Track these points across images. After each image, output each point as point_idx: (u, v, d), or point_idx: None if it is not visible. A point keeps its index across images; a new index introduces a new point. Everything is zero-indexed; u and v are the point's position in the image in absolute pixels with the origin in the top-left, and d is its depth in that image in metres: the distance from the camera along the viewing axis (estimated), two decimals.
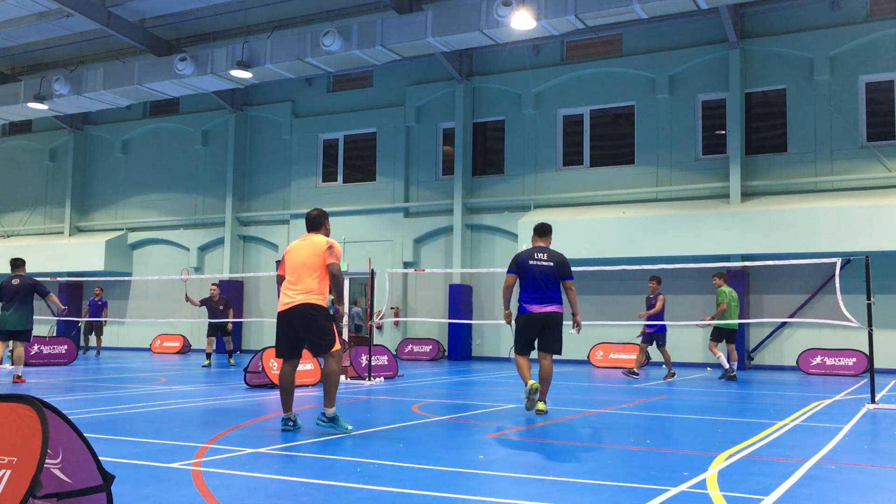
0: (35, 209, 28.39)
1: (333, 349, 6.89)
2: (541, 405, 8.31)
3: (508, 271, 8.68)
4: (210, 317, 17.25)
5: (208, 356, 16.99)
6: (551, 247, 8.87)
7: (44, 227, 27.98)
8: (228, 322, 17.45)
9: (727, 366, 14.08)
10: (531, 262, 8.51)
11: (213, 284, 17.76)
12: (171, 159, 26.06)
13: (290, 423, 6.96)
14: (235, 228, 24.65)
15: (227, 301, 17.59)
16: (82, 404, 9.06)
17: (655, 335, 14.42)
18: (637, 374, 14.36)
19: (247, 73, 19.97)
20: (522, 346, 8.54)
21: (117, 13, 21.73)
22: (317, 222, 7.22)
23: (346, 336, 23.02)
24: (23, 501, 2.82)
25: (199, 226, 25.42)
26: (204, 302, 17.33)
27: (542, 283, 8.43)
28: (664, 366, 14.68)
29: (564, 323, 8.55)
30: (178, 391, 11.03)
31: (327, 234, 7.24)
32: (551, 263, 8.51)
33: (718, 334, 14.34)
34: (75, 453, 3.27)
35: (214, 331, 17.43)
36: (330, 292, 7.10)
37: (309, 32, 19.25)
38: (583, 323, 8.83)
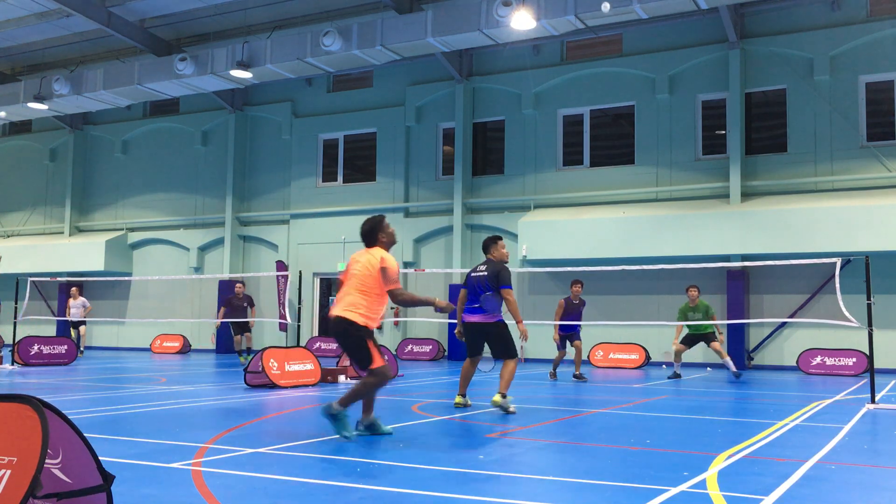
0: (35, 209, 28.39)
1: (372, 366, 6.51)
2: (496, 398, 8.52)
3: (462, 286, 9.16)
4: (233, 315, 17.30)
5: (240, 353, 17.27)
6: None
7: (44, 227, 27.97)
8: (250, 321, 17.55)
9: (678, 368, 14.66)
10: (472, 275, 8.96)
11: (238, 283, 17.83)
12: (171, 159, 26.06)
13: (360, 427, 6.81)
14: (235, 228, 24.65)
15: (250, 299, 17.71)
16: (82, 404, 9.06)
17: (571, 335, 14.22)
18: (585, 378, 14.36)
19: (247, 73, 19.97)
20: (468, 350, 9.01)
21: (117, 13, 21.73)
22: (371, 237, 6.75)
23: None
24: (23, 501, 2.82)
25: (199, 226, 25.42)
26: (226, 303, 17.44)
27: (476, 293, 8.78)
28: (553, 368, 14.46)
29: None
30: (178, 391, 11.03)
31: (386, 244, 6.76)
32: (485, 274, 8.80)
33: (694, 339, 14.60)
34: (75, 453, 3.27)
35: (239, 329, 17.45)
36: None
37: (309, 32, 19.26)
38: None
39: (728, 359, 14.21)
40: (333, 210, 23.22)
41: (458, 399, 9.05)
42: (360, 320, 6.48)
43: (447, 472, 5.14)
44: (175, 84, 21.11)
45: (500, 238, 9.10)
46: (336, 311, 6.58)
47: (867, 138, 17.80)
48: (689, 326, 14.23)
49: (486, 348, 8.97)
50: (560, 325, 14.03)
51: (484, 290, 8.68)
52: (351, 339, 6.54)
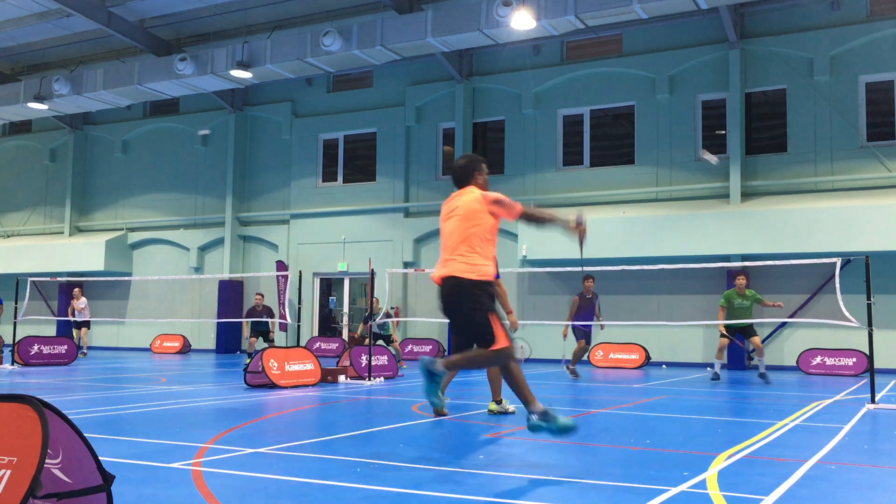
0: (35, 209, 28.39)
1: (496, 346, 5.26)
2: (492, 405, 8.33)
3: None
4: (253, 323, 18.15)
5: (249, 355, 17.60)
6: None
7: (44, 227, 27.97)
8: (270, 330, 18.24)
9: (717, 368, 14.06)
10: None
11: (257, 294, 18.60)
12: (171, 159, 26.06)
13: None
14: (235, 228, 24.66)
15: (269, 310, 18.36)
16: (82, 404, 9.06)
17: (587, 331, 14.43)
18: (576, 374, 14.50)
19: (247, 73, 19.97)
20: (451, 347, 8.51)
21: (117, 13, 21.73)
22: (465, 173, 5.56)
23: (344, 336, 23.05)
24: (23, 501, 2.82)
25: (199, 226, 25.42)
26: (249, 313, 18.32)
27: None
28: (570, 365, 14.62)
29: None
30: (178, 391, 11.03)
31: (484, 188, 5.57)
32: None
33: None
34: (75, 453, 3.27)
35: (257, 335, 18.18)
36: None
37: (309, 32, 19.26)
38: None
39: (763, 358, 13.67)
40: (333, 210, 23.22)
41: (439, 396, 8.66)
42: (475, 274, 5.27)
43: (447, 472, 5.13)
44: (175, 84, 21.11)
45: None
46: (442, 269, 5.39)
47: (867, 138, 17.80)
48: (731, 316, 13.63)
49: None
50: (574, 323, 14.16)
51: None
52: (470, 302, 5.25)
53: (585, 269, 15.22)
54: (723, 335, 13.95)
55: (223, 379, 13.51)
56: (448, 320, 5.53)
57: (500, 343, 5.22)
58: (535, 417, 5.22)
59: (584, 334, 14.48)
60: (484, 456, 5.83)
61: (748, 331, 13.87)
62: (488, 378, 8.35)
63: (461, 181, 5.59)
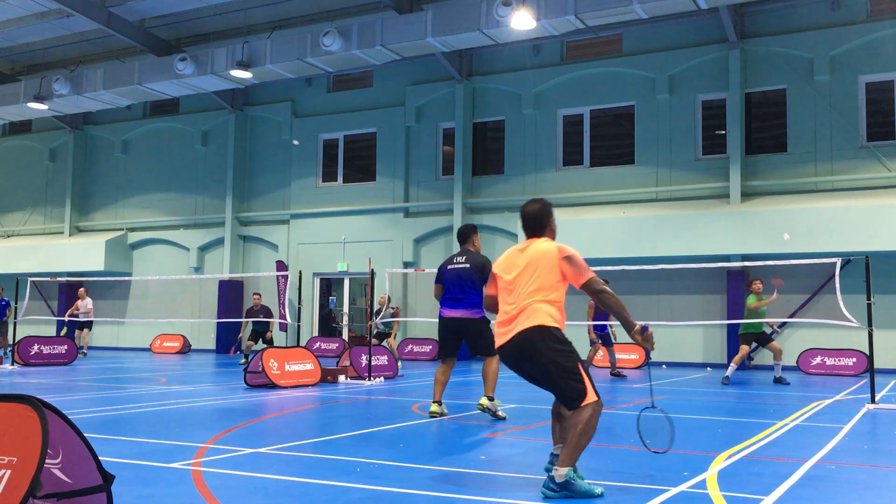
0: (35, 209, 28.39)
1: (585, 401, 4.56)
2: (483, 400, 8.12)
3: (435, 281, 8.44)
4: (254, 324, 18.43)
5: (246, 356, 17.84)
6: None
7: (44, 227, 27.97)
8: (269, 330, 18.42)
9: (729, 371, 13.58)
10: (449, 267, 8.30)
11: (255, 294, 18.84)
12: (171, 159, 26.05)
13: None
14: (235, 228, 24.65)
15: (267, 309, 18.59)
16: (82, 404, 9.06)
17: (604, 335, 14.71)
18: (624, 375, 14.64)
19: (247, 73, 19.97)
20: (442, 352, 8.36)
21: (117, 13, 21.73)
22: (538, 222, 5.08)
23: (344, 336, 23.05)
24: (23, 501, 2.82)
25: (199, 226, 25.42)
26: (246, 314, 18.73)
27: (456, 286, 8.14)
28: (612, 371, 14.83)
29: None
30: (178, 391, 11.03)
31: (553, 236, 5.14)
32: (467, 266, 8.13)
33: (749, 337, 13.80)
34: (75, 453, 3.27)
35: (256, 336, 18.36)
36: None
37: (309, 32, 19.26)
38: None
39: (780, 363, 13.48)
40: (333, 210, 23.21)
41: (433, 408, 8.16)
42: (556, 324, 4.71)
43: (447, 472, 5.14)
44: (175, 84, 21.10)
45: (477, 228, 8.63)
46: (514, 329, 4.74)
47: (867, 138, 17.80)
48: (747, 325, 13.43)
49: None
50: (595, 323, 14.35)
51: (467, 283, 8.11)
52: (549, 351, 4.62)
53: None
54: (745, 343, 13.61)
55: (223, 379, 13.51)
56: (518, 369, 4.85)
57: (591, 396, 4.56)
58: (558, 478, 4.45)
59: (599, 337, 14.68)
60: (484, 456, 5.83)
61: (765, 338, 13.74)
62: (483, 374, 8.24)
63: (534, 230, 5.08)
